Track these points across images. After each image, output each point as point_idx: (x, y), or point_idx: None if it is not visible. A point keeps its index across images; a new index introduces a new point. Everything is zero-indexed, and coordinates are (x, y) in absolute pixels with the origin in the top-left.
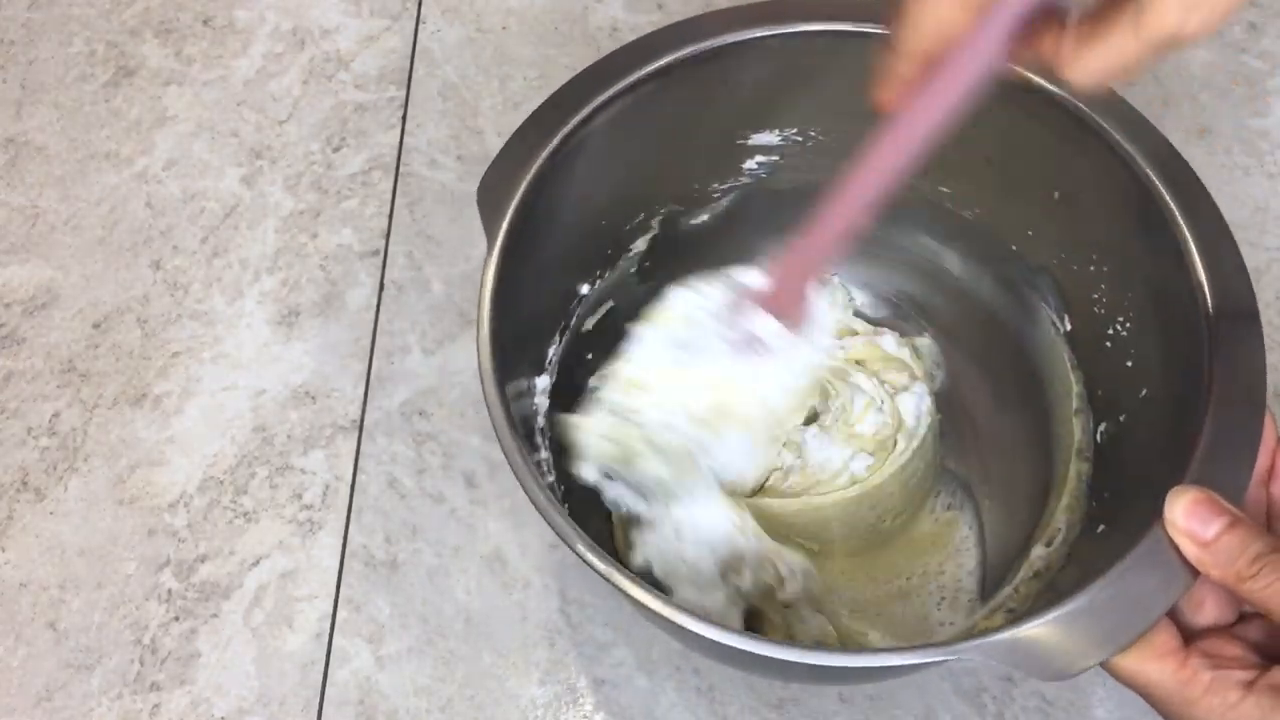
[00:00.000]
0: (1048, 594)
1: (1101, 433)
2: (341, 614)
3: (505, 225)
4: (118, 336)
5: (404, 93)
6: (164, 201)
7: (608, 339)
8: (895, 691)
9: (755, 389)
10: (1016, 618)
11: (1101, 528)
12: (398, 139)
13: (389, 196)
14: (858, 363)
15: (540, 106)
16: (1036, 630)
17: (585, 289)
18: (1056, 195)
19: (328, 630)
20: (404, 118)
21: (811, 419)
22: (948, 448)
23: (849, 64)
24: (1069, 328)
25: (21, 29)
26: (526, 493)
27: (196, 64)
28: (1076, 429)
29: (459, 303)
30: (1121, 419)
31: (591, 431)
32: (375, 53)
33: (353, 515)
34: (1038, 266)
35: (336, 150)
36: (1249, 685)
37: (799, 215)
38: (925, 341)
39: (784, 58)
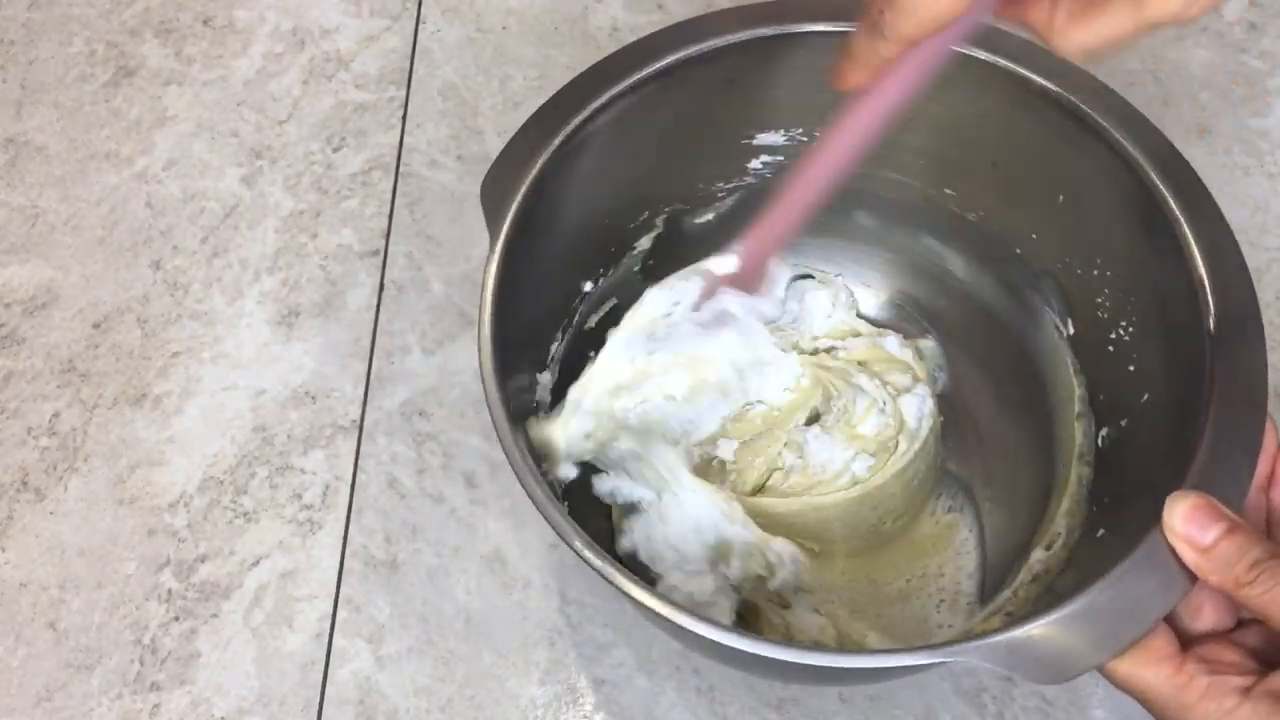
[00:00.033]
0: (1047, 597)
1: (1103, 437)
2: (341, 614)
3: (508, 223)
4: (118, 336)
5: (404, 93)
6: (164, 201)
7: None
8: (895, 691)
9: (725, 355)
10: (1014, 621)
11: (1101, 532)
12: (398, 139)
13: (389, 196)
14: (860, 364)
15: (543, 105)
16: (1033, 633)
17: (588, 287)
18: (1061, 199)
19: (328, 630)
20: (404, 118)
21: (813, 419)
22: (949, 450)
23: None
24: (1072, 331)
25: (21, 29)
26: (526, 491)
27: (196, 64)
28: (1078, 433)
29: (459, 303)
30: (1123, 423)
31: (575, 433)
32: (375, 53)
33: (353, 515)
34: (1041, 270)
35: (336, 150)
36: (1246, 691)
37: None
38: (928, 343)
39: (788, 58)
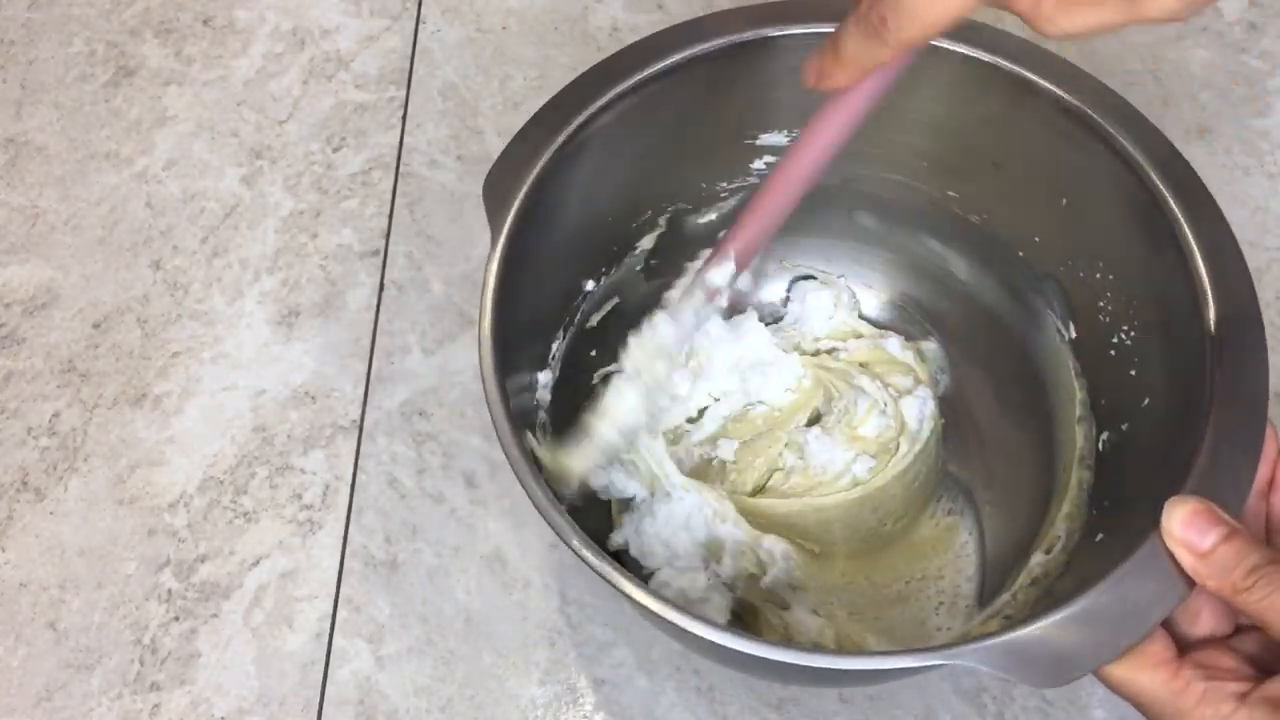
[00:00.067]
0: (1045, 601)
1: (1104, 441)
2: (341, 614)
3: (509, 221)
4: (118, 336)
5: (404, 93)
6: (164, 201)
7: (612, 335)
8: (895, 692)
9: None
10: (1012, 624)
11: (1101, 536)
12: (398, 139)
13: (389, 196)
14: (862, 365)
15: (546, 104)
16: (1030, 636)
17: (590, 285)
18: (1064, 202)
19: (328, 630)
20: (404, 118)
21: (814, 420)
22: (950, 452)
23: None
24: (1074, 335)
25: (21, 29)
26: (524, 488)
27: (196, 64)
28: (1079, 436)
29: (459, 303)
30: (1124, 428)
31: (594, 463)
32: (375, 53)
33: (353, 515)
34: (1044, 273)
35: (336, 150)
36: (1242, 697)
37: (806, 217)
38: (930, 345)
39: (792, 58)
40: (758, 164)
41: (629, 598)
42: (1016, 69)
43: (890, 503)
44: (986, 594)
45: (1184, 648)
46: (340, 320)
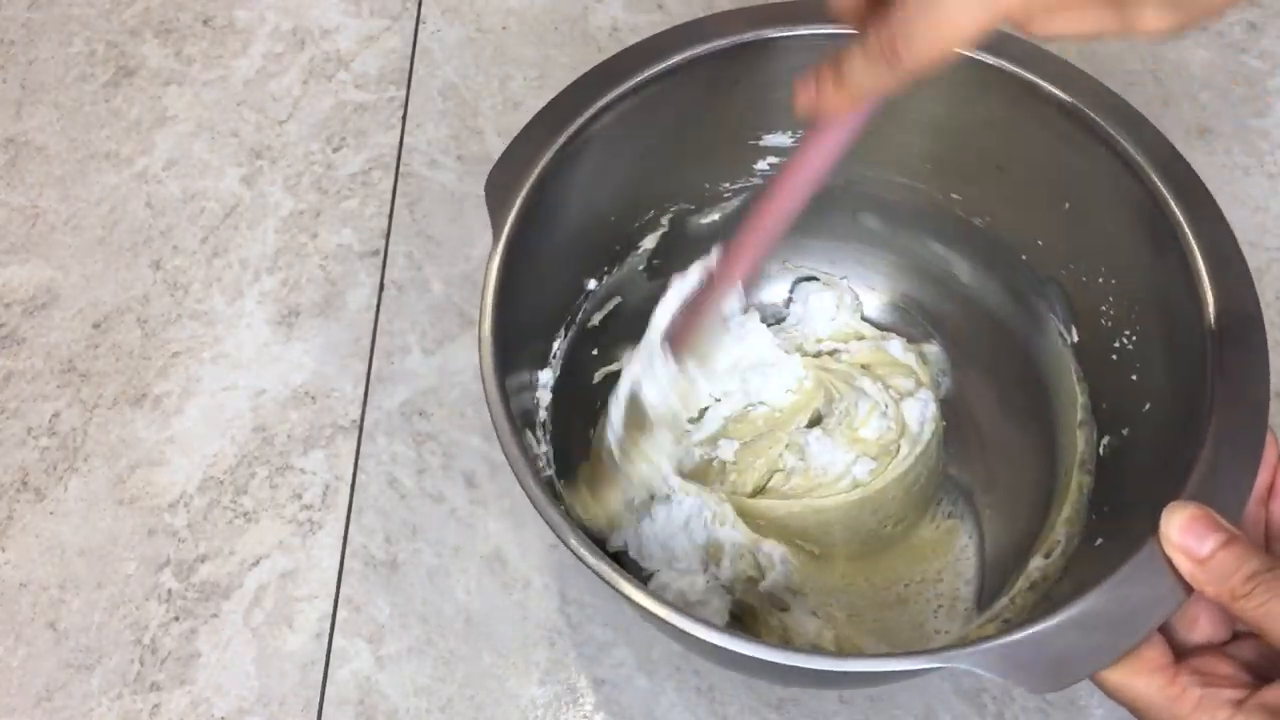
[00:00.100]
0: (1044, 605)
1: (1104, 445)
2: (341, 614)
3: (511, 219)
4: (118, 336)
5: (404, 93)
6: (164, 201)
7: (613, 335)
8: (895, 692)
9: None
10: (1009, 628)
11: (1100, 541)
12: (398, 139)
13: (389, 196)
14: (863, 367)
15: (550, 103)
16: (1026, 641)
17: (592, 284)
18: (1067, 206)
19: (328, 630)
20: (404, 118)
21: (815, 422)
22: (951, 455)
23: None
24: (1076, 339)
25: (21, 29)
26: (522, 485)
27: (196, 64)
28: (1080, 441)
29: (459, 303)
30: (1125, 432)
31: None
32: (375, 53)
33: (353, 515)
34: (1046, 277)
35: (336, 150)
36: (1238, 704)
37: (810, 218)
38: (932, 348)
39: (795, 59)
40: (761, 165)
41: (628, 599)
42: (1019, 71)
43: (890, 505)
44: (985, 597)
45: (1181, 654)
46: (340, 320)
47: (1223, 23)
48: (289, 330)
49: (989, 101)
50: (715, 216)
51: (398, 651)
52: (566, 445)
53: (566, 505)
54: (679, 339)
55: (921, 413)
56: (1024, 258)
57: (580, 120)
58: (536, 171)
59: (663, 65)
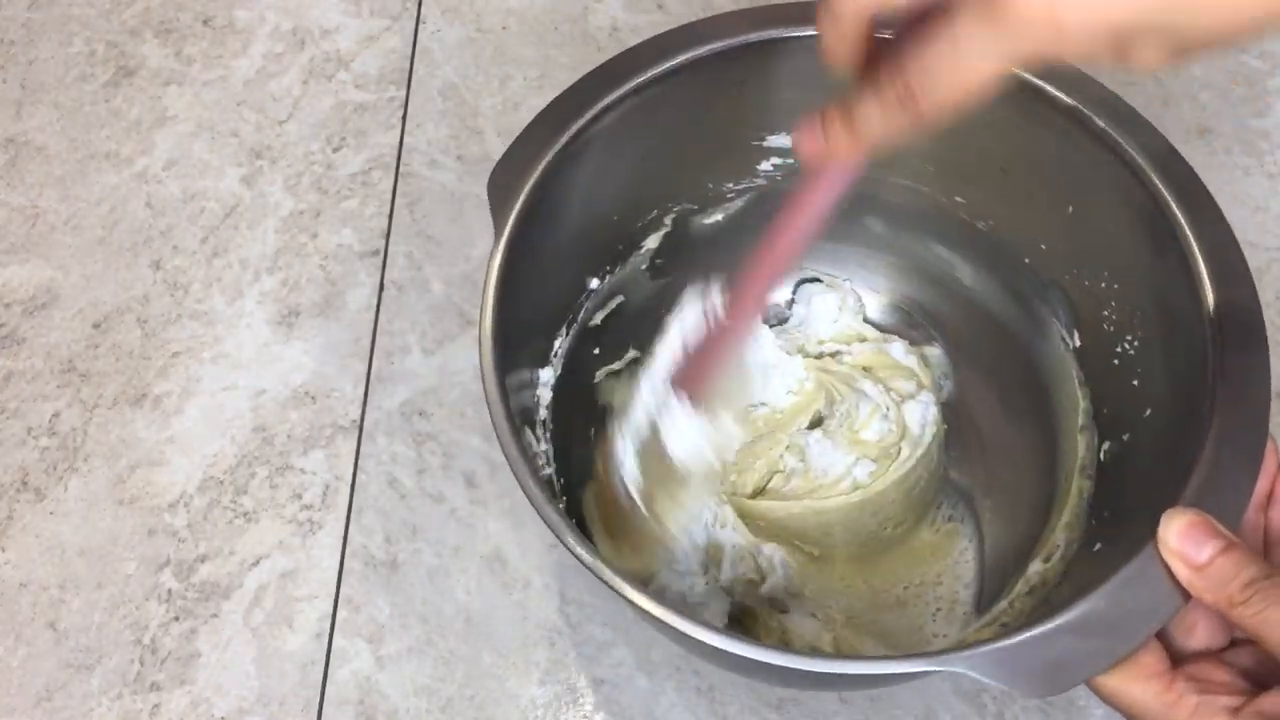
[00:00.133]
0: (1042, 609)
1: (1105, 451)
2: (341, 614)
3: (513, 217)
4: (118, 336)
5: (404, 93)
6: (164, 201)
7: (616, 333)
8: (896, 692)
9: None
10: (1006, 632)
11: (1099, 546)
12: (398, 139)
13: (389, 196)
14: (865, 369)
15: (553, 101)
16: (1022, 645)
17: (595, 283)
18: (1070, 210)
19: (328, 630)
20: (404, 118)
21: (816, 423)
22: (952, 458)
23: None
24: (1078, 344)
25: (21, 29)
26: (519, 483)
27: (196, 64)
28: (1081, 446)
29: (459, 303)
30: (1125, 438)
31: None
32: (375, 53)
33: (353, 515)
34: (1049, 280)
35: (336, 150)
36: (1235, 712)
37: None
38: (934, 351)
39: (800, 60)
40: (764, 165)
41: (627, 600)
42: (1020, 73)
43: (890, 507)
44: (984, 601)
45: (1178, 660)
46: (340, 320)
47: None
48: (289, 330)
49: (991, 103)
50: (719, 217)
51: (398, 651)
52: (567, 444)
53: (605, 558)
54: (694, 385)
55: (923, 415)
56: (1027, 261)
57: (584, 119)
58: (539, 170)
59: (667, 65)
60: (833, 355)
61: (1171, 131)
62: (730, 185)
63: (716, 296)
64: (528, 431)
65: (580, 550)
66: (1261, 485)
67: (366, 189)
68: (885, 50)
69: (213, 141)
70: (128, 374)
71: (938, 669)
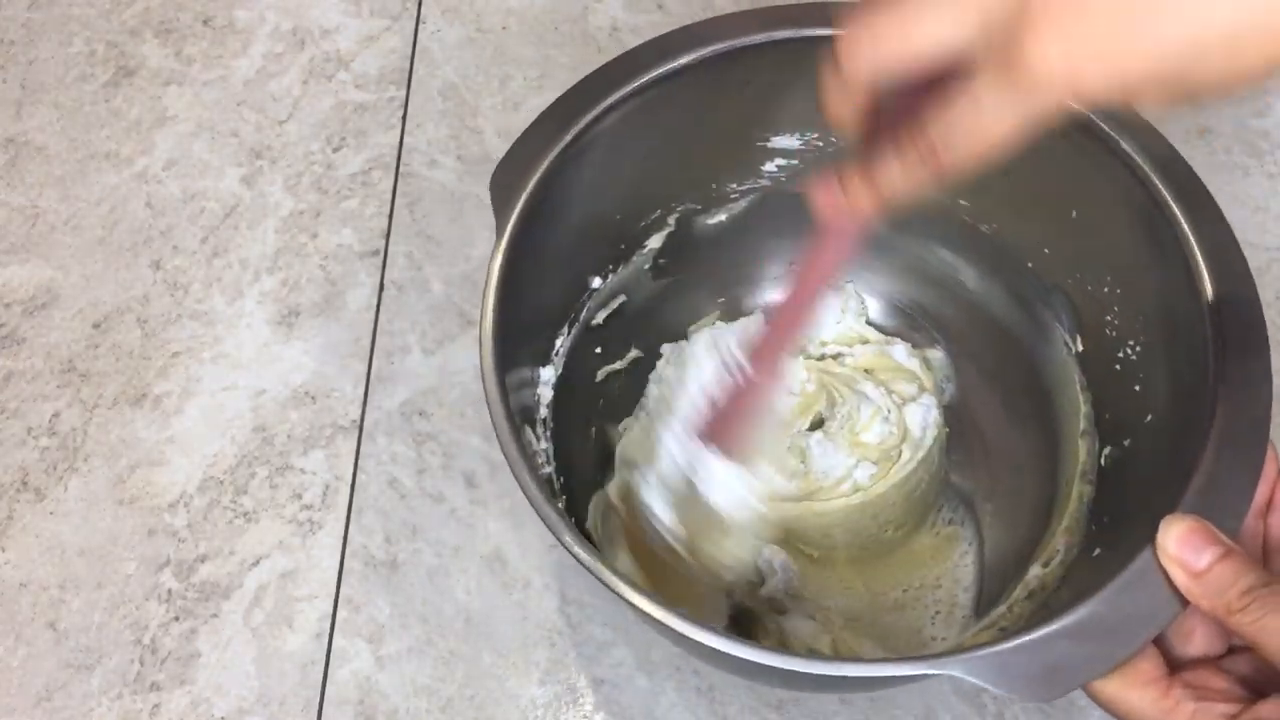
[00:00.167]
0: (1041, 614)
1: (1106, 456)
2: (341, 614)
3: (514, 216)
4: (118, 336)
5: (404, 93)
6: (164, 201)
7: (618, 333)
8: (895, 692)
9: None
10: (1004, 636)
11: (1098, 551)
12: (398, 139)
13: (389, 196)
14: (867, 371)
15: (557, 100)
16: (1020, 649)
17: (597, 282)
18: (1074, 214)
19: (328, 630)
20: (404, 118)
21: (817, 425)
22: (953, 462)
23: None
24: (1081, 348)
25: (21, 29)
26: (519, 481)
27: (196, 64)
28: (1082, 450)
29: (459, 303)
30: (1126, 443)
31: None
32: (375, 53)
33: (353, 515)
34: (1052, 285)
35: (336, 150)
36: (1232, 718)
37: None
38: (936, 354)
39: (804, 62)
40: (768, 166)
41: (627, 601)
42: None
43: (891, 510)
44: (983, 605)
45: (1175, 667)
46: (340, 320)
47: None
48: (289, 330)
49: None
50: (722, 217)
51: (398, 651)
52: (567, 443)
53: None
54: (725, 440)
55: (924, 418)
56: (1030, 265)
57: (587, 118)
58: (541, 169)
59: (671, 65)
60: (835, 357)
61: (1171, 132)
62: (734, 186)
63: (734, 349)
64: (528, 430)
65: (580, 550)
66: (1261, 492)
67: (366, 189)
68: (887, 112)
69: (213, 141)
70: (128, 374)
71: (935, 672)
